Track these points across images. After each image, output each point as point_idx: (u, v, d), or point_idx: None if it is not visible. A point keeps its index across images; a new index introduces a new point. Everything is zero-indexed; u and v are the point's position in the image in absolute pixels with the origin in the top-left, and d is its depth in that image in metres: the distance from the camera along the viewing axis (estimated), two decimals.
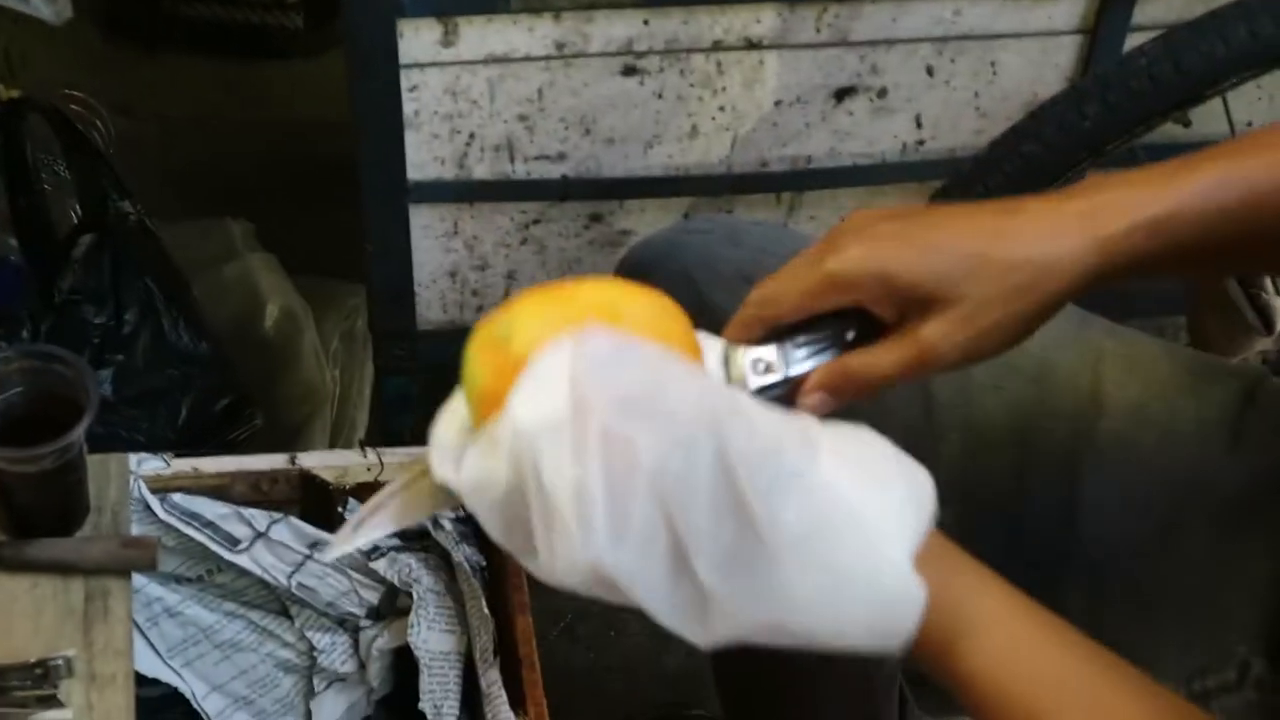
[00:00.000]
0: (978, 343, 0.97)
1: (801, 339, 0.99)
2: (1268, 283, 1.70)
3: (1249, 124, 2.03)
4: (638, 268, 1.40)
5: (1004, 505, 1.23)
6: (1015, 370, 1.25)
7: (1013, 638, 0.87)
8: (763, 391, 0.98)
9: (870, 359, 0.98)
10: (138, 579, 1.55)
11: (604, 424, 0.78)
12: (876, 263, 0.96)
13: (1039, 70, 2.00)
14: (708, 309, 1.34)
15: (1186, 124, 1.81)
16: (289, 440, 2.13)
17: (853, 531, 0.81)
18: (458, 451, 0.85)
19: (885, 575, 0.81)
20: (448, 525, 1.58)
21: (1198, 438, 1.20)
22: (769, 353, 0.99)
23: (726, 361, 0.98)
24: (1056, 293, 0.97)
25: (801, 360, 0.99)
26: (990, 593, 0.88)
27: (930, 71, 1.97)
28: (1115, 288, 1.02)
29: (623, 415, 0.79)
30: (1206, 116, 1.78)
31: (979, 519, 1.23)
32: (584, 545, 0.78)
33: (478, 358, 0.87)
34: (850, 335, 0.99)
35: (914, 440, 1.24)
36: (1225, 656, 1.09)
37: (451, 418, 0.89)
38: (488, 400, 0.85)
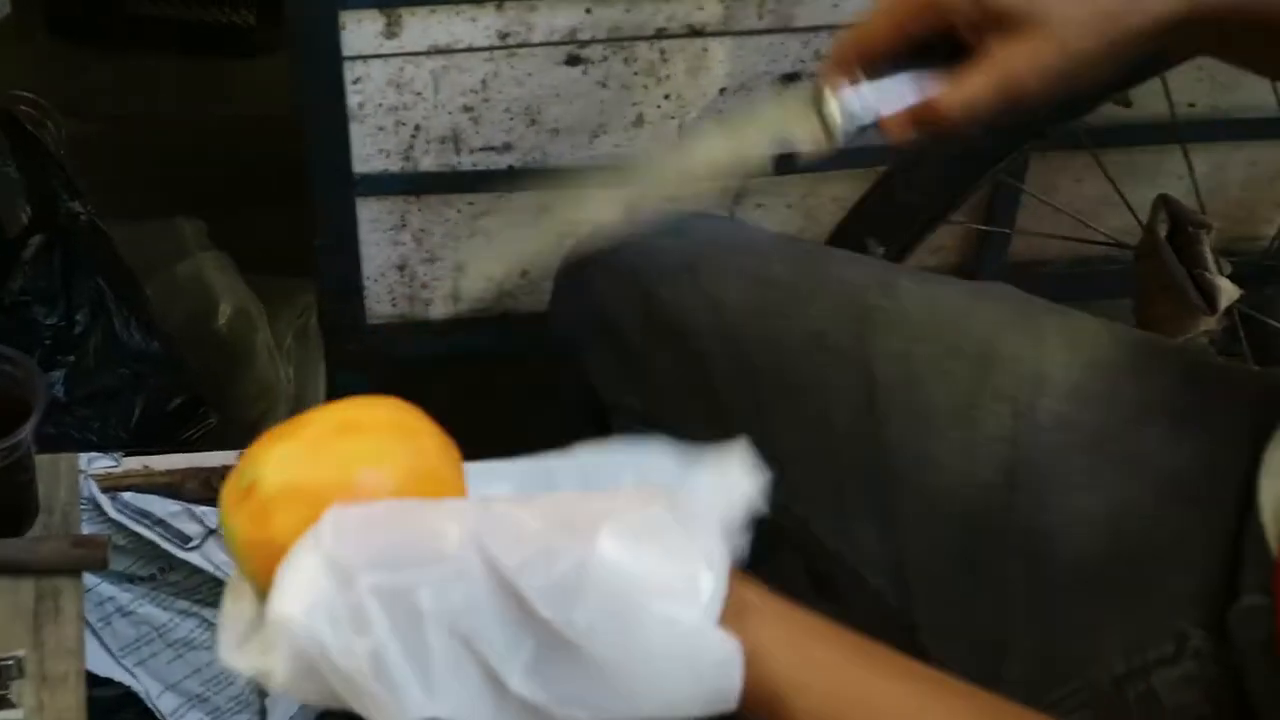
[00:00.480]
0: (1064, 70, 0.98)
1: (886, 75, 1.05)
2: (1210, 262, 1.71)
3: (1190, 105, 2.06)
4: (581, 262, 1.40)
5: (949, 486, 1.24)
6: (958, 352, 1.26)
7: (838, 680, 0.85)
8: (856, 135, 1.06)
9: (956, 87, 1.00)
10: (89, 578, 1.55)
11: (374, 584, 0.78)
12: None
13: None
14: (653, 301, 1.35)
15: (1127, 104, 1.82)
16: (244, 439, 2.09)
17: (646, 608, 0.79)
18: (242, 633, 0.84)
19: (691, 643, 0.79)
20: None
21: (1139, 417, 1.20)
22: (858, 94, 1.06)
23: (819, 112, 1.06)
24: (1142, 26, 0.97)
25: (890, 94, 1.05)
26: (808, 636, 0.86)
27: None
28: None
29: (389, 570, 0.78)
30: (1146, 96, 1.80)
31: (923, 501, 1.24)
32: (403, 710, 0.78)
33: (231, 513, 0.86)
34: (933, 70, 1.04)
35: (858, 425, 1.26)
36: (1163, 630, 1.10)
37: (238, 588, 0.88)
38: (255, 553, 0.84)
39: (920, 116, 1.02)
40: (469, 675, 0.79)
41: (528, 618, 0.78)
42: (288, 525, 0.82)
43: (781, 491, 0.90)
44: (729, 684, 0.80)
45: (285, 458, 0.85)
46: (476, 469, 0.91)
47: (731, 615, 0.81)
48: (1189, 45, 1.04)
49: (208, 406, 2.08)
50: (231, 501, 0.86)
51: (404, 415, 0.89)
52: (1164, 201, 1.74)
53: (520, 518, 0.81)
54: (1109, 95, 1.71)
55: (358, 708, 0.80)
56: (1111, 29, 0.97)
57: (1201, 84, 2.06)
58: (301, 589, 0.79)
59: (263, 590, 0.83)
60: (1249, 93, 2.06)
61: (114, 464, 1.57)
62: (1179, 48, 1.02)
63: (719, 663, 0.80)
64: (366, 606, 0.77)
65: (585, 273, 1.38)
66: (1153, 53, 1.05)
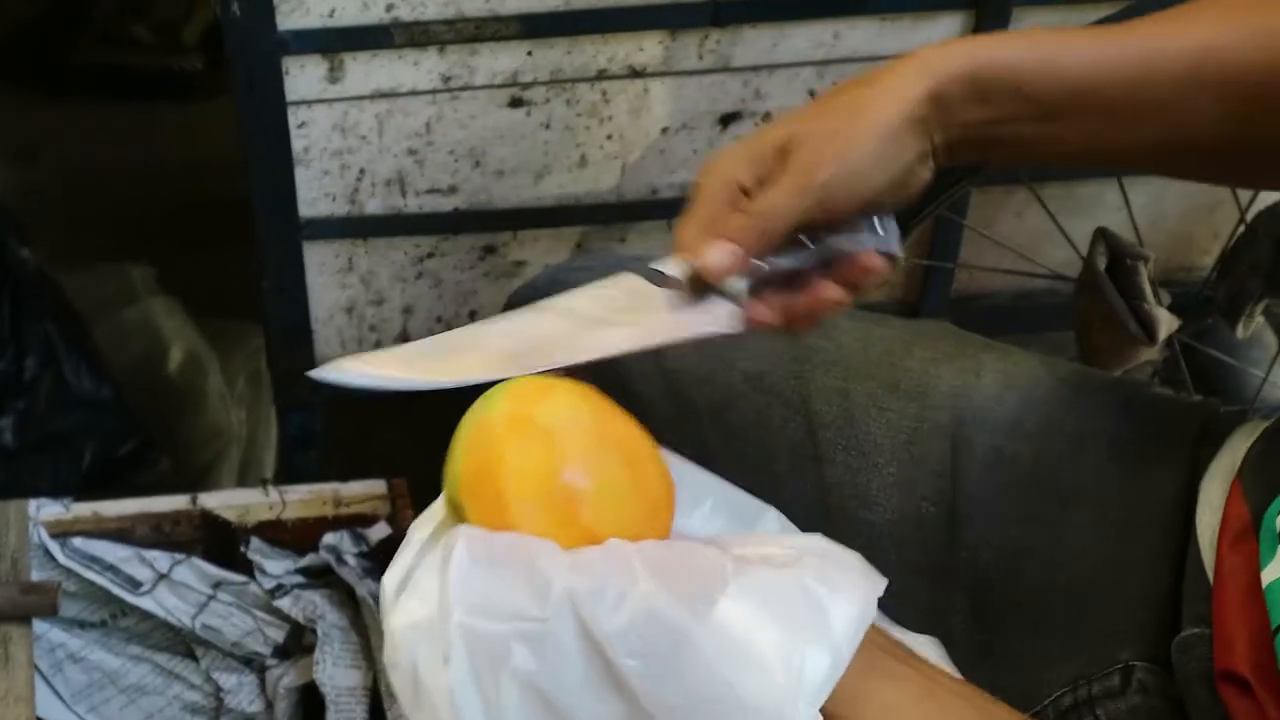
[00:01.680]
0: (844, 165, 1.02)
1: None
2: (1149, 293, 1.72)
3: None
4: (524, 305, 1.40)
5: (889, 522, 1.24)
6: (896, 390, 1.26)
7: None
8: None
9: (760, 195, 1.05)
10: (40, 625, 1.55)
11: (462, 623, 0.80)
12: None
13: None
14: None
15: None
16: (197, 483, 2.13)
17: (742, 697, 0.79)
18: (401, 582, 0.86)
19: None
20: (351, 561, 1.59)
21: (1076, 450, 1.21)
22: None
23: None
24: (889, 115, 1.02)
25: None
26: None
27: (813, 94, 1.99)
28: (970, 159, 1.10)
29: (483, 614, 0.80)
30: None
31: (864, 537, 1.24)
32: None
33: (501, 397, 0.88)
34: None
35: (799, 464, 1.26)
36: (1108, 662, 1.11)
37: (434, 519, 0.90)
38: (479, 440, 0.86)
39: (744, 226, 1.05)
40: None
41: (618, 683, 0.79)
42: (517, 456, 0.84)
43: None
44: None
45: (571, 417, 0.87)
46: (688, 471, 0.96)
47: (859, 676, 0.83)
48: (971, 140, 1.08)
49: (158, 451, 2.08)
50: (517, 394, 0.88)
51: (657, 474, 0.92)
52: (1102, 234, 1.75)
53: (632, 577, 0.81)
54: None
55: None
56: (859, 122, 1.02)
57: None
58: (413, 606, 0.82)
59: (456, 482, 0.86)
60: None
61: (64, 510, 1.57)
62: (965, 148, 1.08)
63: None
64: (452, 643, 0.79)
65: None
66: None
